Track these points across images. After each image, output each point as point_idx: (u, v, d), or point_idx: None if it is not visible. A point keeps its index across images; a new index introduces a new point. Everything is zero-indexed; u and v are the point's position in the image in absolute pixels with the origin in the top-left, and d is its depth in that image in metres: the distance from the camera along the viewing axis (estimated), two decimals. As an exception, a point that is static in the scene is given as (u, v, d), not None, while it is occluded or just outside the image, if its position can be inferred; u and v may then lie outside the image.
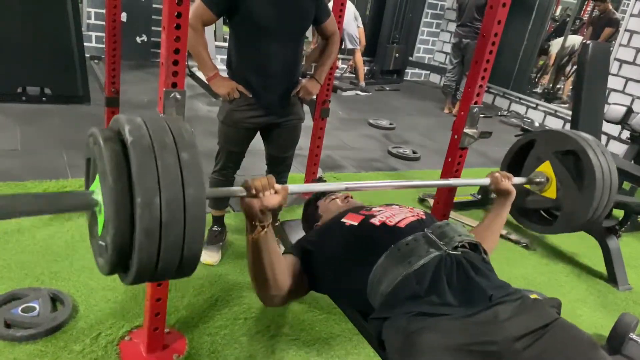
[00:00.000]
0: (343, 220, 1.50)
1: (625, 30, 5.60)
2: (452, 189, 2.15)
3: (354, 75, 7.27)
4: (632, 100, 5.46)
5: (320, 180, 3.26)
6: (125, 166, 0.92)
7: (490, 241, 1.64)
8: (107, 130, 0.97)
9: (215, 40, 6.34)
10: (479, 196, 3.68)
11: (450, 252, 1.30)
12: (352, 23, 6.47)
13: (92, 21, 5.91)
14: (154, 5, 5.88)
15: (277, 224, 2.57)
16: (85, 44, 4.69)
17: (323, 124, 3.14)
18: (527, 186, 1.86)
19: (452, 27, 8.06)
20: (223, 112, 2.27)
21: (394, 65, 7.62)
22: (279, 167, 2.48)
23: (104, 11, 2.89)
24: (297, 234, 1.95)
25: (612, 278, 2.89)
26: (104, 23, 2.89)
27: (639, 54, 5.50)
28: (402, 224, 1.41)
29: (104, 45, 2.82)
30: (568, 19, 8.06)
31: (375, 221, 1.44)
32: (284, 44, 2.17)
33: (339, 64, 7.16)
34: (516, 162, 1.95)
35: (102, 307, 2.01)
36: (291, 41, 2.21)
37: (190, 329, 1.98)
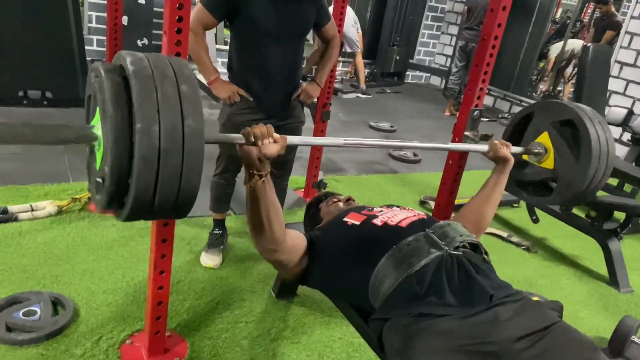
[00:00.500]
0: (345, 219, 1.50)
1: (626, 32, 5.59)
2: (452, 192, 2.15)
3: (354, 78, 7.28)
4: (633, 103, 5.45)
5: (322, 183, 3.27)
6: (125, 96, 0.92)
7: (490, 212, 1.69)
8: (109, 64, 0.98)
9: (216, 43, 6.35)
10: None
11: (452, 252, 1.30)
12: (352, 27, 6.49)
13: (94, 25, 5.91)
14: (155, 9, 5.88)
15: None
16: (86, 47, 4.71)
17: (324, 127, 3.15)
18: (525, 157, 1.88)
19: (453, 29, 8.09)
20: (224, 116, 2.27)
21: (395, 67, 7.63)
22: (280, 171, 2.48)
23: (105, 15, 2.90)
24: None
25: (613, 280, 2.89)
26: (105, 26, 2.90)
27: (640, 56, 5.51)
28: (403, 224, 1.42)
29: (105, 49, 2.83)
30: (568, 21, 8.06)
31: (377, 221, 1.45)
32: (285, 48, 2.18)
33: (340, 67, 7.17)
34: (515, 136, 1.97)
35: (103, 310, 2.01)
36: (292, 44, 2.22)
37: (191, 332, 1.98)
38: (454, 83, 6.40)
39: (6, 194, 2.75)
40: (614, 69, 5.62)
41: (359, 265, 1.36)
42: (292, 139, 1.30)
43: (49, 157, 3.30)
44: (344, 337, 2.08)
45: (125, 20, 5.44)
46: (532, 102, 7.05)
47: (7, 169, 3.04)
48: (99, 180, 0.97)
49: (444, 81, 7.92)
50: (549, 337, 1.13)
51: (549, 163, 1.84)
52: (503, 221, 3.55)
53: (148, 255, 1.71)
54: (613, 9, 7.00)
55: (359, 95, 6.78)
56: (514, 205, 3.81)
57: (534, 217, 3.34)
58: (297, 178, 3.50)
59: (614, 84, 5.51)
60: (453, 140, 2.08)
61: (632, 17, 5.54)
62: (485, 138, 2.04)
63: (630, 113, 3.61)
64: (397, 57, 7.55)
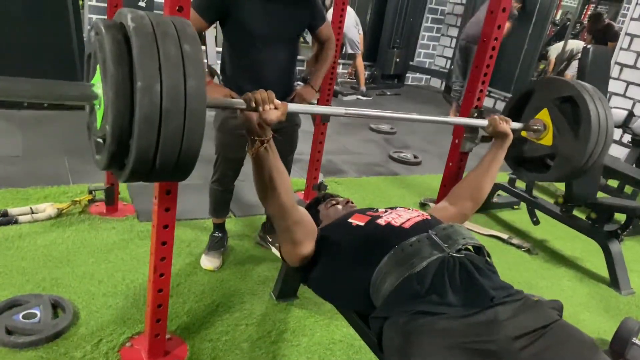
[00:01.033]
0: (350, 220, 1.51)
1: (626, 34, 5.60)
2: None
3: (354, 80, 7.28)
4: (633, 104, 5.45)
5: (322, 185, 3.26)
6: (126, 54, 0.90)
7: (488, 183, 1.72)
8: (109, 21, 0.96)
9: (217, 45, 6.35)
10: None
11: (454, 254, 1.30)
12: (353, 28, 6.48)
13: (94, 27, 5.93)
14: (154, 11, 5.90)
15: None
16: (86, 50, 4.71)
17: (324, 129, 3.15)
18: (524, 134, 1.88)
19: (453, 31, 8.09)
20: (218, 120, 2.25)
21: (395, 69, 7.63)
22: None
23: (105, 17, 2.90)
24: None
25: (614, 282, 2.88)
26: (105, 29, 2.89)
27: (640, 58, 5.51)
28: (407, 225, 1.43)
29: (105, 52, 2.82)
30: (568, 22, 8.08)
31: (381, 221, 1.45)
32: (277, 51, 2.16)
33: (340, 69, 7.17)
34: (515, 113, 1.98)
35: (103, 313, 2.01)
36: (285, 47, 2.20)
37: (191, 335, 1.97)
38: (460, 86, 6.34)
39: (6, 197, 2.74)
40: (614, 71, 5.62)
41: (360, 265, 1.36)
42: (292, 107, 1.31)
43: (49, 160, 3.30)
44: (345, 339, 2.08)
45: (125, 22, 5.47)
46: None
47: (7, 172, 3.04)
48: (99, 140, 0.95)
49: (443, 83, 7.92)
50: (549, 336, 1.13)
51: (547, 140, 1.85)
52: (503, 223, 3.54)
53: (148, 257, 1.71)
54: (608, 21, 7.05)
55: (359, 97, 6.78)
56: (515, 207, 3.81)
57: (535, 219, 3.33)
58: (297, 180, 3.50)
59: (614, 86, 5.51)
60: (453, 141, 2.08)
61: (632, 19, 5.54)
62: (485, 140, 2.04)
63: (631, 115, 3.61)
64: (397, 59, 7.56)
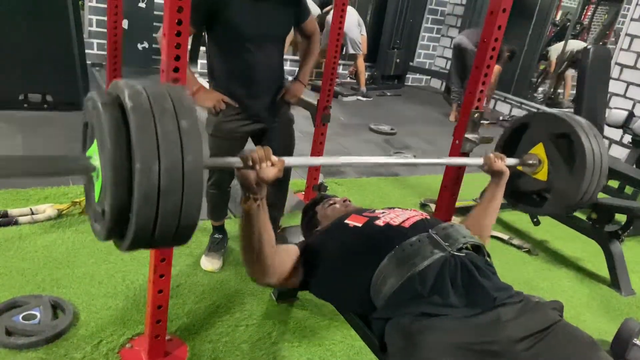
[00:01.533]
0: (347, 221, 1.50)
1: (626, 34, 5.60)
2: (453, 194, 2.15)
3: (355, 81, 7.28)
4: (634, 105, 5.45)
5: (322, 186, 3.26)
6: (124, 131, 0.90)
7: (488, 223, 1.70)
8: (105, 94, 0.96)
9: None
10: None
11: (455, 253, 1.30)
12: (355, 28, 6.47)
13: (94, 28, 5.93)
14: (155, 13, 5.90)
15: (279, 231, 2.57)
16: (86, 51, 4.72)
17: (324, 130, 3.14)
18: (520, 168, 1.88)
19: (453, 32, 8.09)
20: (211, 125, 2.22)
21: (395, 70, 7.63)
22: (277, 194, 2.45)
23: (105, 18, 2.90)
24: (299, 240, 1.94)
25: (615, 283, 2.88)
26: (105, 30, 2.91)
27: (640, 58, 5.51)
28: (406, 224, 1.42)
29: (105, 52, 2.83)
30: (569, 23, 8.07)
31: (379, 222, 1.45)
32: (266, 51, 2.14)
33: (340, 70, 7.16)
34: (510, 144, 1.97)
35: (103, 314, 2.01)
36: (273, 47, 2.19)
37: (191, 336, 1.97)
38: (458, 87, 6.33)
39: (6, 198, 2.74)
40: (614, 71, 5.62)
41: (360, 266, 1.36)
42: (289, 160, 1.30)
43: (49, 161, 3.30)
44: (345, 340, 2.07)
45: (125, 24, 5.46)
46: (533, 104, 7.07)
47: (7, 173, 3.04)
48: (99, 209, 0.96)
49: (444, 84, 7.92)
50: (550, 337, 1.14)
51: (542, 174, 1.84)
52: (504, 224, 3.54)
53: (148, 258, 1.70)
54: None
55: (360, 98, 6.78)
56: (515, 207, 3.80)
57: (535, 220, 3.33)
58: (298, 181, 3.50)
59: (614, 86, 5.51)
60: (454, 142, 2.08)
61: (632, 20, 5.55)
62: (485, 141, 2.04)
63: (631, 115, 3.61)
64: (398, 60, 7.55)
